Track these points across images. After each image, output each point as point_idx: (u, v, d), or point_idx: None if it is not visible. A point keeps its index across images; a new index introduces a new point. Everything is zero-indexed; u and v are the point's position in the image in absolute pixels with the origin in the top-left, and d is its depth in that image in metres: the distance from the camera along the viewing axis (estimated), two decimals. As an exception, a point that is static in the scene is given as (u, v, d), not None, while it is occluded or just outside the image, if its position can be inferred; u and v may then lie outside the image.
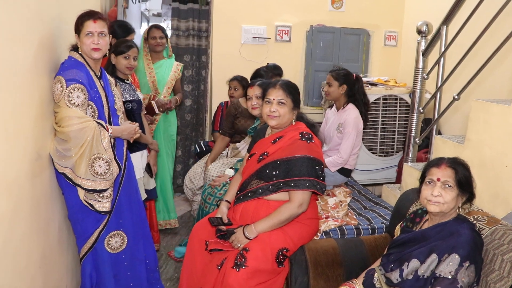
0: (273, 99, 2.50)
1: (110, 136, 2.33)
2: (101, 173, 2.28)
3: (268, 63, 4.07)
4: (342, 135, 3.33)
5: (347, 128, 3.29)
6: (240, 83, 4.03)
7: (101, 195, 2.34)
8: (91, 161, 2.24)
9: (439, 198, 1.88)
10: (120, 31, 3.39)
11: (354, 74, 3.43)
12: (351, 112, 3.34)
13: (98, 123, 2.28)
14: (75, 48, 2.37)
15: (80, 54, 2.35)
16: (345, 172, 3.40)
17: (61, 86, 2.18)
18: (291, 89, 2.54)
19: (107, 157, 2.29)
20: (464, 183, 1.90)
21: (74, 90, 2.20)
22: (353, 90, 3.40)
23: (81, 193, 2.31)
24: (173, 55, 4.04)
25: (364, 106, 3.43)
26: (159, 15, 8.49)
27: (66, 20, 2.47)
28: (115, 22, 3.63)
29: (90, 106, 2.31)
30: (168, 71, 3.91)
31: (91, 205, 2.33)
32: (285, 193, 2.44)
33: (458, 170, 1.90)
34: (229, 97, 4.18)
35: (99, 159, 2.27)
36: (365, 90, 3.51)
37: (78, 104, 2.22)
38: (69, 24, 2.44)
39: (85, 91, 2.24)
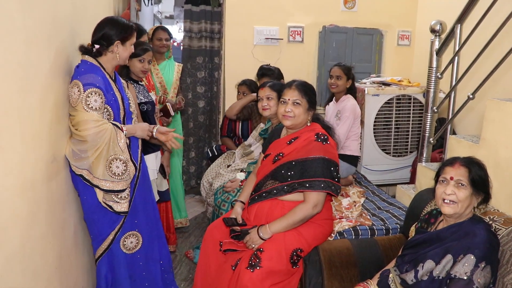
0: (288, 99, 2.51)
1: (125, 135, 2.35)
2: (118, 174, 2.31)
3: (266, 65, 4.05)
4: (340, 121, 3.55)
5: (345, 113, 3.55)
6: (248, 88, 4.02)
7: (119, 196, 2.36)
8: (108, 162, 2.27)
9: (453, 196, 1.87)
10: None
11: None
12: (350, 100, 3.64)
13: (113, 124, 2.30)
14: (87, 51, 2.36)
15: (94, 58, 2.35)
16: (349, 159, 3.43)
17: (78, 91, 2.20)
18: (306, 90, 2.54)
19: (124, 157, 2.32)
20: (478, 183, 1.89)
21: (91, 94, 2.22)
22: (352, 84, 3.74)
23: (99, 195, 2.33)
24: (172, 56, 4.07)
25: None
26: (171, 17, 8.56)
27: (81, 25, 2.50)
28: None
29: (106, 110, 2.33)
30: (172, 71, 3.96)
31: (110, 207, 2.35)
32: (300, 193, 2.44)
33: (472, 169, 1.89)
34: None
35: (116, 160, 2.29)
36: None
37: (96, 108, 2.24)
38: (83, 29, 2.46)
39: (102, 95, 2.26)
